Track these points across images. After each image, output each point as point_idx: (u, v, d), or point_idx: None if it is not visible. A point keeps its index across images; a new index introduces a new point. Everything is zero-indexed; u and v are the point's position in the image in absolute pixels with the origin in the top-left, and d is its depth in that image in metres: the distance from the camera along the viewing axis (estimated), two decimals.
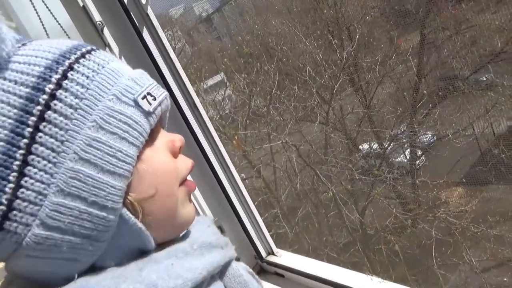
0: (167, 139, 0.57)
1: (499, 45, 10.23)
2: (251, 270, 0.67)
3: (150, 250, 0.53)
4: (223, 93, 10.71)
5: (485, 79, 10.52)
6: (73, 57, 0.49)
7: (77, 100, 0.47)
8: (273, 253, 1.66)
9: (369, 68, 10.35)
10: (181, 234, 0.59)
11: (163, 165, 0.54)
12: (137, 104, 0.50)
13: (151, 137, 0.54)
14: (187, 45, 12.87)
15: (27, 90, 0.45)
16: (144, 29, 1.29)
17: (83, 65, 0.49)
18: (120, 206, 0.48)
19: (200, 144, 1.47)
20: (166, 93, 0.57)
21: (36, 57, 0.48)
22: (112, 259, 0.50)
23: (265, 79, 9.98)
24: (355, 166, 8.60)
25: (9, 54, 0.47)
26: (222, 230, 1.76)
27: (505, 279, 7.96)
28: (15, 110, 0.44)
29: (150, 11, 1.28)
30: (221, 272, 0.60)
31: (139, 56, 1.37)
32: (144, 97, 0.52)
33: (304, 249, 8.27)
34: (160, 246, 0.54)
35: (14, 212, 0.44)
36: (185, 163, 0.59)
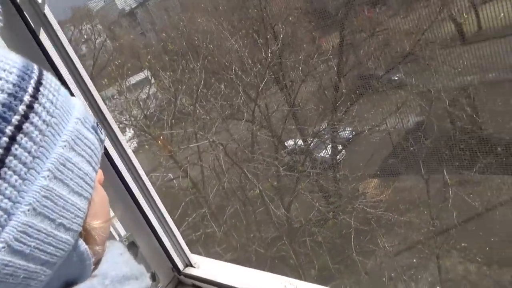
0: None
1: (408, 48, 11.18)
2: None
3: (82, 281, 0.50)
4: (147, 91, 10.36)
5: (396, 78, 11.46)
6: (36, 70, 0.47)
7: (49, 117, 0.44)
8: (191, 265, 1.62)
9: (293, 67, 10.71)
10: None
11: (104, 195, 0.55)
12: (95, 131, 0.51)
13: None
14: (108, 40, 12.22)
15: (5, 96, 0.41)
16: (41, 30, 1.19)
17: (47, 82, 0.47)
18: (80, 230, 0.46)
19: (109, 154, 1.39)
20: None
21: (4, 62, 0.43)
22: None
23: (191, 77, 9.85)
24: (280, 163, 8.87)
25: None
26: (135, 245, 1.69)
27: (414, 260, 8.81)
28: None
29: (47, 11, 1.18)
30: None
31: (36, 61, 1.28)
32: (97, 124, 0.52)
33: (232, 247, 8.37)
34: None
35: None
36: None
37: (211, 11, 12.41)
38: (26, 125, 0.42)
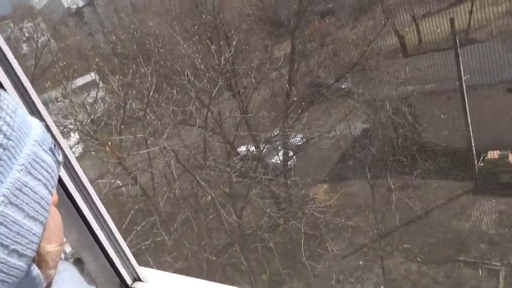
0: None
1: (355, 58, 11.72)
2: None
3: None
4: (95, 95, 9.96)
5: (344, 87, 11.97)
6: None
7: (6, 140, 0.42)
8: (139, 279, 1.58)
9: (245, 74, 10.81)
10: None
11: (58, 217, 0.53)
12: (52, 153, 0.49)
13: None
14: (53, 40, 11.60)
15: None
16: None
17: (4, 104, 0.45)
18: (33, 256, 0.44)
19: None
20: None
21: None
22: None
23: (142, 81, 9.61)
24: (233, 169, 8.89)
25: None
26: (81, 262, 1.62)
27: (360, 262, 9.21)
28: None
29: None
30: None
31: None
32: (55, 146, 0.50)
33: (183, 255, 8.24)
34: None
35: None
36: None
37: (164, 15, 12.23)
38: None
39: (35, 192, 0.45)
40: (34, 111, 1.33)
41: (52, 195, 0.49)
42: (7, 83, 1.23)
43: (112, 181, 8.08)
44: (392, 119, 11.24)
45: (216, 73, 10.04)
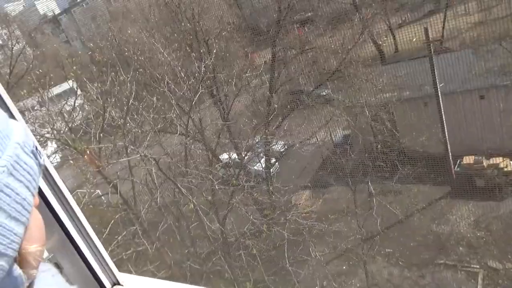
0: None
1: (334, 65, 11.93)
2: None
3: None
4: (72, 103, 9.74)
5: (324, 94, 12.14)
6: None
7: None
8: (118, 283, 1.56)
9: (226, 81, 10.83)
10: None
11: (40, 219, 0.54)
12: (34, 156, 0.50)
13: None
14: (28, 47, 11.33)
15: None
16: None
17: None
18: (15, 256, 0.46)
19: None
20: None
21: None
22: None
23: (121, 89, 9.47)
24: (215, 176, 8.83)
25: None
26: (59, 267, 1.58)
27: (344, 267, 9.27)
28: None
29: None
30: None
31: None
32: (36, 149, 0.51)
33: (166, 264, 8.09)
34: None
35: None
36: None
37: (142, 22, 12.15)
38: None
39: (17, 194, 0.46)
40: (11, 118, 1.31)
41: (34, 196, 0.50)
42: None
43: (92, 190, 7.89)
44: (371, 125, 11.45)
45: (197, 80, 10.01)
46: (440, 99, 10.06)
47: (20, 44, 11.23)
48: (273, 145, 10.29)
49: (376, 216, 9.29)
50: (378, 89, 11.74)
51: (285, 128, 10.47)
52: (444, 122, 10.16)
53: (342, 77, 12.33)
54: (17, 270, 0.48)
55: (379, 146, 10.97)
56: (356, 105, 11.62)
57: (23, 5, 13.32)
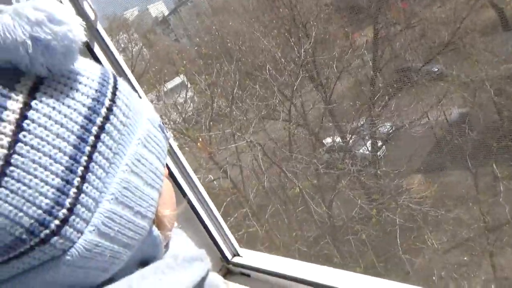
0: None
1: (446, 37, 10.79)
2: (223, 279, 0.70)
3: (155, 261, 0.56)
4: (184, 95, 10.57)
5: (436, 69, 11.06)
6: (112, 76, 0.53)
7: (125, 118, 0.50)
8: (238, 254, 1.67)
9: (327, 64, 10.59)
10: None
11: (170, 187, 0.61)
12: (162, 130, 0.57)
13: None
14: (145, 48, 12.59)
15: (90, 101, 0.47)
16: (95, 44, 1.31)
17: (122, 86, 0.53)
18: (153, 218, 0.53)
19: None
20: None
21: (87, 71, 0.50)
22: (129, 267, 0.52)
23: (226, 79, 9.96)
24: (319, 161, 8.77)
25: (74, 65, 0.48)
26: None
27: (465, 258, 8.43)
28: (81, 118, 0.45)
29: (99, 26, 1.31)
30: (200, 284, 0.61)
31: None
32: (163, 124, 0.58)
33: (275, 246, 8.35)
34: None
35: (73, 216, 0.43)
36: None
37: (242, 13, 12.50)
38: (107, 126, 0.47)
39: (150, 163, 0.52)
40: None
41: (164, 166, 0.55)
42: None
43: (205, 175, 8.51)
44: (494, 101, 10.13)
45: (297, 65, 9.99)
46: None
47: (138, 46, 12.53)
48: (380, 127, 9.77)
49: (504, 203, 8.23)
50: (502, 60, 10.31)
51: (392, 109, 9.85)
52: None
53: (456, 50, 11.12)
54: (155, 231, 0.54)
55: (505, 123, 9.67)
56: (474, 79, 10.37)
57: (138, 10, 14.81)
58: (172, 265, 0.55)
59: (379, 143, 9.85)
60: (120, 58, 1.40)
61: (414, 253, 8.17)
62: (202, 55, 11.08)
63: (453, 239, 8.44)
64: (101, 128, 0.47)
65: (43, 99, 0.44)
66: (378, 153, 9.59)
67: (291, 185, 8.53)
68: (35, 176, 0.41)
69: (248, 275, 1.56)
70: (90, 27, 1.28)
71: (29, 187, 0.41)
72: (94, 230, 0.44)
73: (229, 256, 1.66)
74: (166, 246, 0.60)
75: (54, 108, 0.44)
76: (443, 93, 10.40)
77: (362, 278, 1.28)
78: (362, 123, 9.67)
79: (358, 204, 8.16)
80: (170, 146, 1.60)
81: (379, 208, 8.16)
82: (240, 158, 8.92)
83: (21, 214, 0.40)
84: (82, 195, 0.44)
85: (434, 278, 7.96)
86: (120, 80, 0.54)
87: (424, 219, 8.30)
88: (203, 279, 0.61)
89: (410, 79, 10.59)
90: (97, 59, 1.31)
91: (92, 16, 1.25)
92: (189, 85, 10.75)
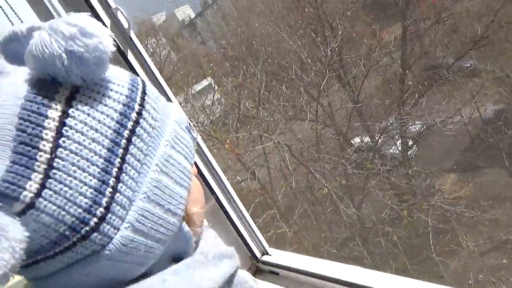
0: None
1: (479, 31, 10.39)
2: (252, 277, 0.71)
3: (186, 256, 0.59)
4: (212, 97, 10.70)
5: (468, 65, 10.66)
6: (141, 82, 0.56)
7: (153, 121, 0.53)
8: (267, 253, 1.69)
9: (354, 63, 10.43)
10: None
11: (199, 186, 0.64)
12: (189, 131, 0.59)
13: None
14: (172, 52, 12.84)
15: (121, 106, 0.51)
16: (129, 51, 1.37)
17: (150, 92, 0.56)
18: (183, 215, 0.55)
19: None
20: None
21: (118, 79, 0.53)
22: (162, 262, 0.55)
23: (252, 81, 10.00)
24: (348, 161, 8.65)
25: (106, 74, 0.52)
26: None
27: (503, 261, 8.07)
28: (114, 123, 0.49)
29: (132, 35, 1.37)
30: (229, 281, 0.63)
31: None
32: (190, 125, 0.61)
33: (304, 247, 8.29)
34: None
35: (110, 214, 0.47)
36: None
37: (267, 14, 12.52)
38: (138, 129, 0.51)
39: (179, 163, 0.54)
40: None
41: (192, 166, 0.58)
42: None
43: (233, 177, 8.58)
44: None
45: (323, 65, 9.89)
46: None
47: (166, 50, 12.80)
48: (410, 125, 9.52)
49: None
50: None
51: (423, 107, 9.58)
52: None
53: (490, 44, 10.70)
54: (185, 227, 0.57)
55: None
56: (510, 74, 9.94)
57: (165, 15, 15.12)
58: (203, 262, 0.58)
59: (410, 142, 9.61)
60: (151, 63, 1.46)
61: (448, 256, 7.90)
62: (228, 57, 11.17)
63: (490, 241, 8.10)
64: (132, 132, 0.50)
65: (79, 106, 0.48)
66: (409, 152, 9.35)
67: (319, 185, 8.46)
68: (75, 178, 0.45)
69: (277, 273, 1.58)
70: (124, 35, 1.34)
71: (70, 188, 0.45)
72: (129, 226, 0.48)
73: (258, 254, 1.68)
74: (196, 243, 0.63)
75: (89, 114, 0.48)
76: (476, 89, 10.01)
77: (395, 279, 1.27)
78: (391, 122, 9.46)
79: (388, 205, 7.99)
80: (199, 146, 1.64)
81: (411, 209, 7.96)
82: (268, 159, 8.94)
83: (63, 212, 0.45)
84: (117, 194, 0.48)
85: (470, 281, 7.66)
86: (149, 85, 0.57)
87: (458, 220, 8.02)
88: (232, 275, 0.64)
89: (441, 76, 10.27)
90: (130, 66, 1.37)
91: (125, 24, 1.31)
92: (216, 87, 10.88)
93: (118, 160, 0.48)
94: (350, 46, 11.39)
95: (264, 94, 9.54)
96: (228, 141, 8.59)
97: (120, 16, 1.29)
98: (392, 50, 11.30)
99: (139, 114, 0.52)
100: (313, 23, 10.90)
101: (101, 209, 0.46)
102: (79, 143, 0.46)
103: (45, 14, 1.29)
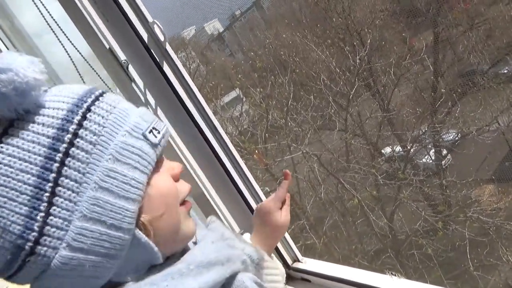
0: (168, 166, 0.65)
1: None
2: (258, 281, 0.67)
3: (158, 263, 0.59)
4: (240, 108, 10.81)
5: (505, 71, 10.26)
6: (89, 100, 0.56)
7: (95, 137, 0.54)
8: (298, 260, 1.68)
9: (384, 71, 10.27)
10: (182, 252, 0.64)
11: (168, 188, 0.61)
12: (145, 138, 0.58)
13: (157, 165, 0.60)
14: (201, 65, 13.13)
15: (54, 131, 0.52)
16: (164, 63, 1.40)
17: (98, 107, 0.56)
18: (133, 227, 0.55)
19: (223, 163, 1.54)
20: (166, 126, 0.64)
21: (59, 101, 0.55)
22: (128, 273, 0.57)
23: (280, 91, 10.03)
24: (378, 171, 8.46)
25: (37, 101, 0.54)
26: None
27: None
28: (44, 149, 0.51)
29: (168, 47, 1.40)
30: (227, 285, 0.62)
31: (162, 88, 1.50)
32: (151, 131, 0.59)
33: (334, 259, 8.12)
34: (168, 259, 0.62)
35: (44, 237, 0.50)
36: (184, 186, 0.66)
37: (295, 25, 12.59)
38: (72, 150, 0.52)
39: (123, 175, 0.54)
40: (212, 128, 1.54)
41: (147, 173, 0.56)
42: (191, 107, 1.47)
43: (262, 187, 8.58)
44: None
45: (352, 74, 9.81)
46: None
47: (195, 63, 13.10)
48: (443, 134, 9.23)
49: None
50: None
51: (457, 115, 9.27)
52: None
53: None
54: (143, 238, 0.56)
55: None
56: None
57: (195, 29, 15.52)
58: (183, 271, 0.57)
59: (444, 152, 9.30)
60: (186, 74, 1.49)
61: (487, 270, 7.52)
62: (256, 69, 11.28)
63: None
64: (66, 154, 0.52)
65: (9, 140, 0.51)
66: (443, 162, 9.04)
67: (349, 196, 8.31)
68: (6, 208, 0.49)
69: (309, 281, 1.57)
70: (160, 48, 1.40)
71: (2, 218, 0.49)
72: (67, 246, 0.51)
73: (289, 261, 1.68)
74: (184, 251, 0.63)
75: (18, 146, 0.51)
76: None
77: None
78: (424, 131, 9.21)
79: (422, 216, 7.72)
80: (234, 157, 1.64)
81: (446, 220, 7.66)
82: (296, 170, 8.88)
83: (1, 240, 0.50)
84: (51, 217, 0.50)
85: None
86: (105, 97, 0.58)
87: (498, 232, 7.64)
88: (229, 280, 0.61)
89: (475, 83, 9.93)
90: (165, 77, 1.42)
91: (161, 37, 1.36)
92: (244, 99, 10.99)
93: (50, 184, 0.51)
94: (380, 54, 11.24)
95: (292, 104, 9.54)
96: (256, 151, 8.61)
97: (156, 30, 1.35)
98: (423, 58, 11.06)
99: (75, 134, 0.53)
100: (341, 32, 10.86)
101: (34, 233, 0.50)
102: (7, 176, 0.50)
103: (92, 35, 1.37)
